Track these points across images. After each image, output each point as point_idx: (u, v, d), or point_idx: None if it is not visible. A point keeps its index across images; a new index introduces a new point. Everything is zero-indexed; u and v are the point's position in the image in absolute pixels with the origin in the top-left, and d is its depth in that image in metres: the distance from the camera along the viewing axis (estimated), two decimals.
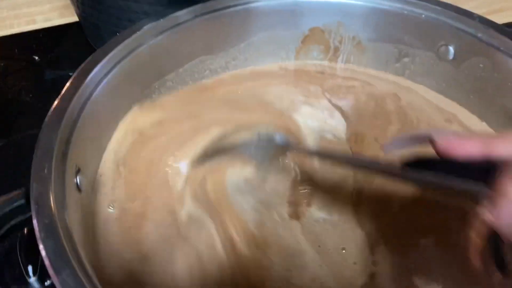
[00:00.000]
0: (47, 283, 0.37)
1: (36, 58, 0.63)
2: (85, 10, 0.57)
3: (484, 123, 0.46)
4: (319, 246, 0.36)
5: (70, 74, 0.38)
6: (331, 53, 0.53)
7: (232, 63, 0.51)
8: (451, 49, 0.46)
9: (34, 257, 0.41)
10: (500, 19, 0.45)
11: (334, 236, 0.37)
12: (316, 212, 0.39)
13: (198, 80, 0.50)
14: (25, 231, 0.42)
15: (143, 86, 0.45)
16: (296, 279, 0.34)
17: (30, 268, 0.40)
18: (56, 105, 0.34)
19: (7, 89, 0.58)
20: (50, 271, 0.25)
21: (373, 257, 0.35)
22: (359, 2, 0.48)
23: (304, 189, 0.40)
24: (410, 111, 0.47)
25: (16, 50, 0.64)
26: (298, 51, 0.52)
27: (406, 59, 0.50)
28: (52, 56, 0.64)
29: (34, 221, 0.27)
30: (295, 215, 0.38)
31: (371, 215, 0.38)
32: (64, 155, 0.32)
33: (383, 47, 0.50)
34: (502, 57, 0.42)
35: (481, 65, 0.44)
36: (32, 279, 0.37)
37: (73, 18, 0.69)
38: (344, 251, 0.36)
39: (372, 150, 0.43)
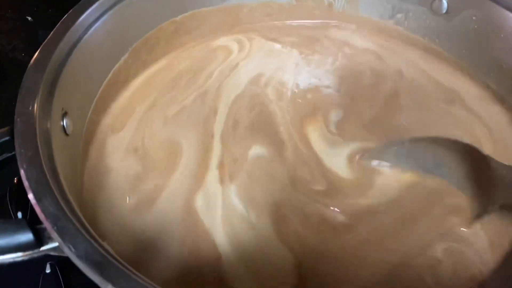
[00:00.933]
0: (37, 226, 0.37)
1: (29, 18, 0.63)
2: None
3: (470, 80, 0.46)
4: None
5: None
6: (326, 9, 0.52)
7: (225, 19, 0.51)
8: (445, 2, 0.45)
9: (24, 204, 0.41)
10: None
11: None
12: None
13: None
14: (15, 180, 0.43)
15: (134, 38, 0.44)
16: None
17: (19, 214, 0.41)
18: (43, 47, 0.34)
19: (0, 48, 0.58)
20: (32, 200, 0.25)
21: None
22: None
23: None
24: (406, 92, 0.45)
25: (8, 10, 0.64)
26: (292, 6, 0.52)
27: (399, 15, 0.49)
28: (45, 17, 0.63)
29: (17, 153, 0.27)
30: None
31: None
32: (50, 96, 0.32)
33: (376, 3, 0.50)
34: (494, 8, 0.42)
35: (474, 18, 0.44)
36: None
37: None
38: None
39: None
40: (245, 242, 0.34)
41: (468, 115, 0.43)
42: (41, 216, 0.24)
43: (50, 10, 0.64)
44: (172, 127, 0.41)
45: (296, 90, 0.45)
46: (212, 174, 0.38)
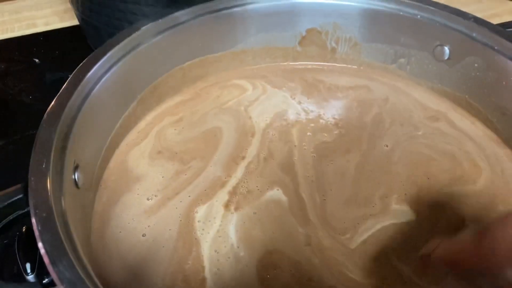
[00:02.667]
0: (45, 280, 0.37)
1: (37, 60, 0.64)
2: (84, 13, 0.57)
3: (480, 123, 0.46)
4: None
5: (70, 76, 0.38)
6: (329, 54, 0.53)
7: (231, 63, 0.52)
8: (447, 49, 0.46)
9: (32, 255, 0.41)
10: (494, 21, 0.45)
11: None
12: None
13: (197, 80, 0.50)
14: (24, 229, 0.43)
15: (143, 85, 0.45)
16: None
17: (28, 265, 0.40)
18: (55, 101, 0.35)
19: (7, 90, 0.59)
20: (47, 263, 0.25)
21: None
22: (354, 3, 0.48)
23: None
24: (388, 114, 0.47)
25: (16, 52, 0.65)
26: (296, 52, 0.53)
27: (402, 60, 0.50)
28: (52, 59, 0.64)
29: (32, 214, 0.27)
30: None
31: None
32: (62, 150, 0.33)
33: (379, 48, 0.51)
34: (496, 56, 0.43)
35: (476, 65, 0.45)
36: (30, 277, 0.37)
37: (73, 21, 0.70)
38: None
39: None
40: (225, 271, 0.34)
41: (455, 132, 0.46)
42: (57, 281, 0.24)
43: (57, 53, 0.65)
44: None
45: None
46: (222, 195, 0.39)
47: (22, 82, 0.60)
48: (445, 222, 0.37)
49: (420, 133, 0.45)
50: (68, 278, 0.25)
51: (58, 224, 0.28)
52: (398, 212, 0.38)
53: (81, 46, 0.65)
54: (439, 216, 0.38)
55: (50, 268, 0.25)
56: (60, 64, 0.63)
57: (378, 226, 0.37)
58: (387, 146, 0.44)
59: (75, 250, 0.27)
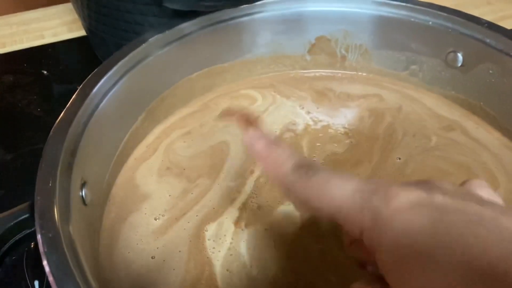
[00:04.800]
0: None
1: (45, 72, 0.64)
2: (91, 24, 0.57)
3: (495, 131, 0.45)
4: None
5: (78, 87, 0.38)
6: (338, 62, 0.52)
7: (240, 73, 0.51)
8: (460, 55, 0.45)
9: (40, 272, 0.41)
10: (507, 25, 0.44)
11: None
12: None
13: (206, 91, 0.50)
14: (32, 246, 0.42)
15: (150, 97, 0.44)
16: None
17: (36, 283, 0.40)
18: (61, 117, 0.34)
19: (15, 102, 0.59)
20: (53, 286, 0.25)
21: None
22: (364, 10, 0.48)
23: None
24: (401, 124, 0.46)
25: (25, 64, 0.65)
26: (305, 61, 0.52)
27: (414, 67, 0.49)
28: (60, 70, 0.64)
29: (38, 235, 0.27)
30: None
31: None
32: (69, 168, 0.32)
33: (390, 55, 0.50)
34: (511, 62, 0.42)
35: (490, 71, 0.43)
36: None
37: (81, 32, 0.70)
38: None
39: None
40: None
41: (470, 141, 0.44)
42: None
43: (65, 64, 0.65)
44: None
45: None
46: (232, 211, 0.38)
47: (30, 94, 0.60)
48: None
49: (434, 144, 0.44)
50: None
51: (64, 244, 0.27)
52: None
53: (89, 57, 0.65)
54: None
55: None
56: (68, 75, 0.63)
57: None
58: (399, 159, 0.43)
59: (82, 271, 0.27)
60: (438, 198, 0.20)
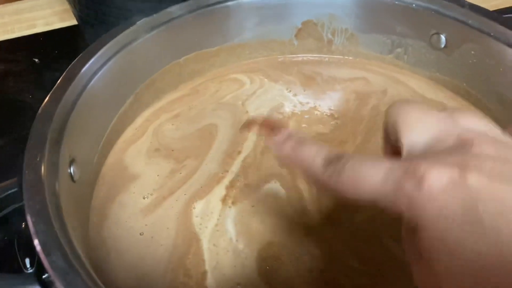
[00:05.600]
0: (45, 276, 0.37)
1: (36, 60, 0.64)
2: (82, 11, 0.58)
3: (479, 112, 0.46)
4: None
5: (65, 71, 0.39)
6: (325, 46, 0.53)
7: (228, 58, 0.52)
8: (443, 37, 0.46)
9: (31, 250, 0.41)
10: (489, 6, 0.45)
11: None
12: None
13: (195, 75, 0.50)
14: (23, 225, 0.43)
15: (139, 81, 0.45)
16: None
17: (27, 260, 0.41)
18: (50, 97, 0.35)
19: (7, 90, 0.59)
20: (41, 253, 0.26)
21: None
22: None
23: None
24: (386, 107, 0.46)
25: (16, 53, 0.65)
26: (293, 45, 0.53)
27: (399, 50, 0.50)
28: (52, 59, 0.65)
29: (26, 206, 0.28)
30: None
31: None
32: (57, 145, 0.33)
33: (376, 39, 0.51)
34: (493, 43, 0.42)
35: (472, 52, 0.44)
36: (30, 272, 0.38)
37: (72, 21, 0.71)
38: None
39: None
40: (225, 264, 0.34)
41: None
42: (50, 271, 0.25)
43: (56, 52, 0.66)
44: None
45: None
46: (219, 190, 0.39)
47: (22, 82, 0.61)
48: None
49: None
50: (61, 267, 0.25)
51: (52, 216, 0.28)
52: None
53: (80, 45, 0.66)
54: None
55: (43, 257, 0.25)
56: (60, 63, 0.64)
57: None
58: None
59: (69, 241, 0.27)
60: (472, 179, 0.18)
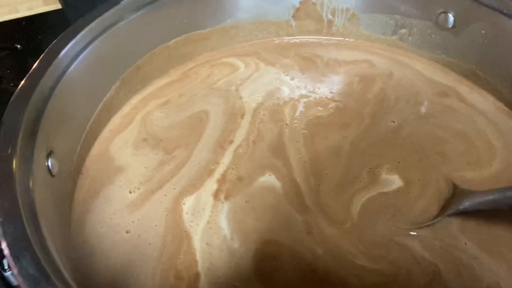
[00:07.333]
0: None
1: (19, 46, 0.61)
2: None
3: (489, 95, 0.43)
4: None
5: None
6: (325, 28, 0.50)
7: (221, 40, 0.49)
8: (451, 16, 0.43)
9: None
10: None
11: None
12: None
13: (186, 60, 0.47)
14: None
15: (125, 65, 0.42)
16: None
17: (5, 261, 0.38)
18: (24, 82, 0.32)
19: None
20: (9, 257, 0.23)
21: None
22: None
23: None
24: (393, 90, 0.44)
25: None
26: (290, 26, 0.49)
27: (403, 30, 0.47)
28: (35, 44, 0.61)
29: None
30: None
31: None
32: (32, 135, 0.30)
33: (378, 19, 0.48)
34: (505, 21, 0.39)
35: (483, 31, 0.41)
36: (8, 273, 0.35)
37: (56, 5, 0.67)
38: None
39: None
40: (219, 265, 0.31)
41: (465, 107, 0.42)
42: (18, 279, 0.22)
43: (40, 37, 0.62)
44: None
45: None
46: (210, 184, 0.36)
47: (3, 69, 0.57)
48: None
49: (429, 111, 0.42)
50: (31, 274, 0.22)
51: (23, 215, 0.25)
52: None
53: (65, 30, 0.62)
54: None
55: (11, 263, 0.22)
56: (43, 49, 0.60)
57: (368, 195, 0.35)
58: (393, 122, 0.41)
59: (43, 244, 0.24)
60: None
